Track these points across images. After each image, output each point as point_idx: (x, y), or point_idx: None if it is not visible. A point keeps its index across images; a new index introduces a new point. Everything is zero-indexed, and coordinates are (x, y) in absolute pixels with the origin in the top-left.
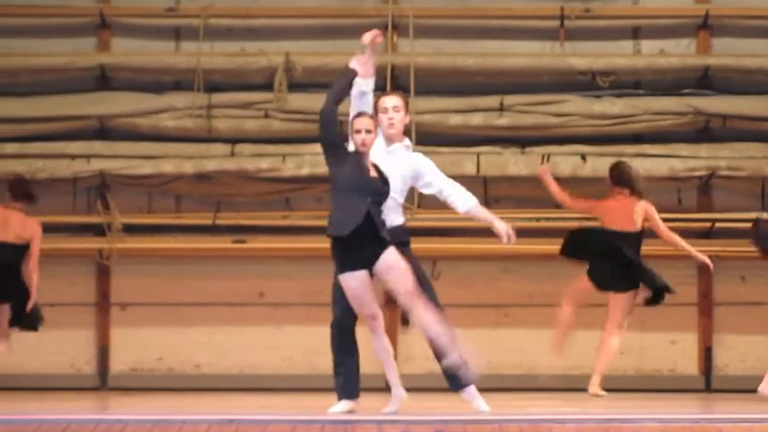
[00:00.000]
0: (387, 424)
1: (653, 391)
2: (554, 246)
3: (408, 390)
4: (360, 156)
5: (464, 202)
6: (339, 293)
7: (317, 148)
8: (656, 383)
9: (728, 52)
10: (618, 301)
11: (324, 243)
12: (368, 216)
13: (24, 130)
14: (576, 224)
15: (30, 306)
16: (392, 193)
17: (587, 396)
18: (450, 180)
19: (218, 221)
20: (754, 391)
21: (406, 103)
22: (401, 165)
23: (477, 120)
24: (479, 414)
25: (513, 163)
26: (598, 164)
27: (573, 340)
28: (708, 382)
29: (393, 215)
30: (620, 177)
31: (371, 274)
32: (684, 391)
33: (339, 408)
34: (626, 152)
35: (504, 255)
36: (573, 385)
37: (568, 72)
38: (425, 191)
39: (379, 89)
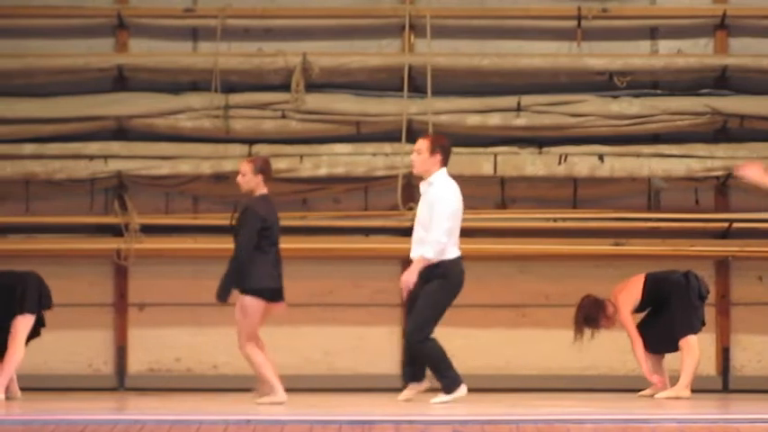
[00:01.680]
0: (404, 424)
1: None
2: (570, 246)
3: (427, 390)
4: None
5: (415, 249)
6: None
7: (335, 148)
8: (674, 383)
9: (746, 52)
10: None
11: (342, 243)
12: None
13: (42, 131)
14: (593, 225)
15: None
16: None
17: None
18: (436, 231)
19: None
20: None
21: (433, 145)
22: (426, 202)
23: (494, 120)
24: (497, 414)
25: (531, 163)
26: (616, 164)
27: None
28: (725, 382)
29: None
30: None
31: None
32: (702, 392)
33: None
34: (643, 152)
35: (521, 255)
36: (590, 385)
37: (586, 72)
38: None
39: (397, 89)
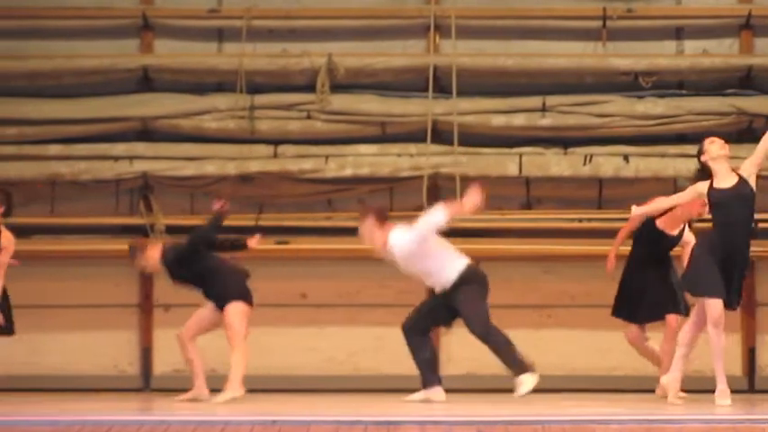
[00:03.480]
0: (429, 425)
1: (696, 391)
2: (596, 246)
3: (449, 391)
4: None
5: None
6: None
7: (360, 148)
8: (699, 384)
9: None
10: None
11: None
12: None
13: (68, 132)
14: (618, 225)
15: None
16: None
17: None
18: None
19: (261, 222)
20: None
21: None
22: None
23: (519, 120)
24: (522, 415)
25: (556, 163)
26: (641, 164)
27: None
28: (751, 382)
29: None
30: None
31: None
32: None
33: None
34: (669, 152)
35: (546, 256)
36: (615, 386)
37: (611, 72)
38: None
39: (422, 90)
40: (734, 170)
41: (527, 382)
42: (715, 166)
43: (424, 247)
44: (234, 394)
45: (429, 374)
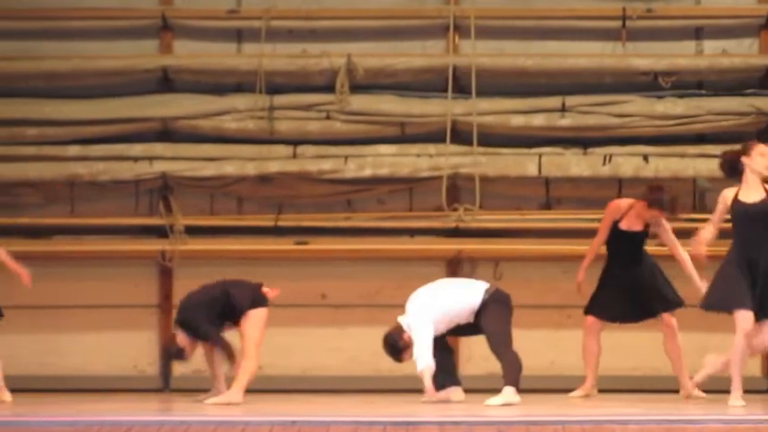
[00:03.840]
0: (448, 425)
1: (715, 392)
2: None
3: (469, 391)
4: None
5: None
6: None
7: (380, 149)
8: (719, 385)
9: None
10: None
11: (386, 244)
12: None
13: (87, 133)
14: None
15: None
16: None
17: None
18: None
19: (281, 223)
20: None
21: None
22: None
23: (539, 120)
24: (542, 415)
25: (576, 164)
26: (660, 165)
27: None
28: None
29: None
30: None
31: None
32: (747, 393)
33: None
34: (688, 152)
35: (566, 256)
36: (635, 386)
37: (630, 72)
38: None
39: (441, 90)
40: (763, 183)
41: (508, 396)
42: (750, 176)
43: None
44: (231, 400)
45: (446, 375)
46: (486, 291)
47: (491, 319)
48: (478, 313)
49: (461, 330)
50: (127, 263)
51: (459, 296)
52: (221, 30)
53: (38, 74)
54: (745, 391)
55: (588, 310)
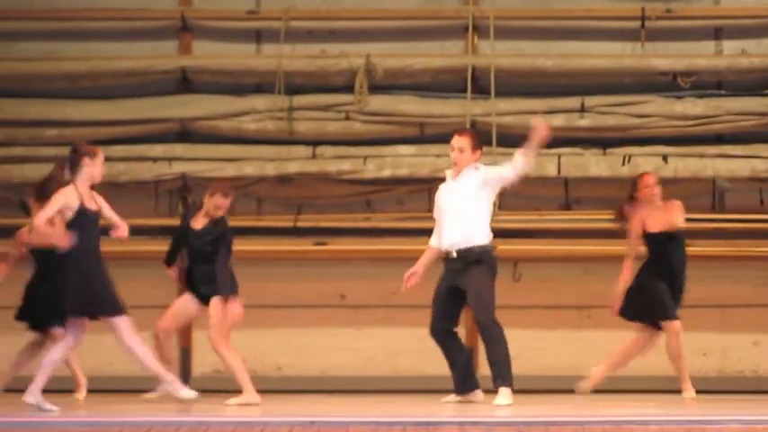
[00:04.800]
0: (468, 425)
1: (735, 392)
2: None
3: (488, 391)
4: None
5: (511, 166)
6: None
7: (399, 149)
8: (739, 384)
9: None
10: None
11: (405, 245)
12: None
13: (106, 133)
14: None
15: None
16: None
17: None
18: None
19: (300, 224)
20: None
21: (473, 142)
22: (470, 181)
23: (558, 121)
24: (562, 416)
25: (595, 164)
26: (680, 165)
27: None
28: None
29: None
30: None
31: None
32: (767, 393)
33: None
34: (707, 153)
35: (585, 256)
36: (655, 387)
37: (650, 73)
38: (498, 185)
39: (461, 91)
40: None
41: (505, 396)
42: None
43: (488, 193)
44: (251, 400)
45: (465, 378)
46: (490, 244)
47: (478, 281)
48: (468, 265)
49: (453, 310)
50: (146, 263)
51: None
52: (240, 30)
53: (58, 75)
54: (765, 392)
55: (671, 315)
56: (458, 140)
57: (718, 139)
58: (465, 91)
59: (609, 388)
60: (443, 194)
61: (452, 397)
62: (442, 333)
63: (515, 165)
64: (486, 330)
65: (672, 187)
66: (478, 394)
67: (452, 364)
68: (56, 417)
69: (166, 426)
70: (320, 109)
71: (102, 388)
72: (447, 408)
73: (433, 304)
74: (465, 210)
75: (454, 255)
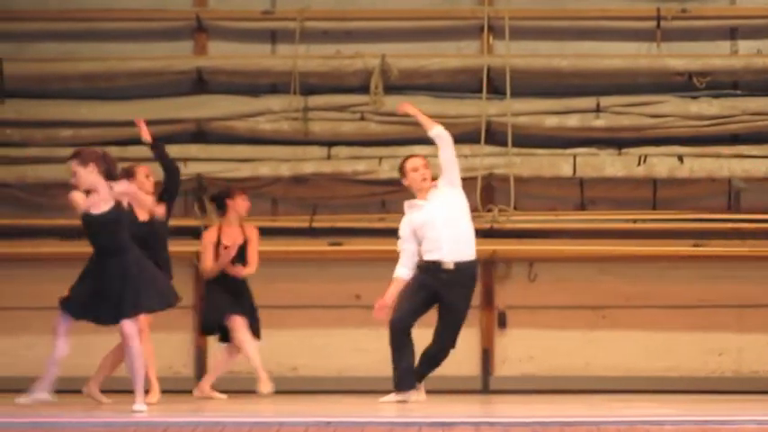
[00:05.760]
0: (484, 425)
1: (751, 392)
2: (650, 247)
3: (503, 392)
4: None
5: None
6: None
7: (414, 150)
8: (755, 385)
9: None
10: None
11: None
12: None
13: (122, 134)
14: (673, 226)
15: None
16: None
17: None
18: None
19: (315, 224)
20: None
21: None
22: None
23: (573, 121)
24: (577, 416)
25: (610, 164)
26: (695, 165)
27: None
28: None
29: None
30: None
31: None
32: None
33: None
34: (723, 153)
35: (601, 256)
36: (670, 387)
37: (665, 73)
38: (455, 172)
39: (476, 91)
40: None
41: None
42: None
43: (464, 197)
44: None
45: (409, 378)
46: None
47: (464, 309)
48: (460, 285)
49: (421, 313)
50: None
51: None
52: (256, 31)
53: (74, 76)
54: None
55: None
56: (422, 160)
57: (734, 139)
58: (480, 91)
59: (624, 388)
60: (424, 218)
61: (392, 396)
62: (405, 331)
63: (435, 137)
64: (440, 353)
65: (687, 187)
66: (419, 393)
67: (398, 363)
68: (71, 417)
69: (182, 426)
70: (335, 109)
71: (118, 388)
72: (462, 408)
73: (407, 300)
74: (458, 224)
75: (451, 266)
